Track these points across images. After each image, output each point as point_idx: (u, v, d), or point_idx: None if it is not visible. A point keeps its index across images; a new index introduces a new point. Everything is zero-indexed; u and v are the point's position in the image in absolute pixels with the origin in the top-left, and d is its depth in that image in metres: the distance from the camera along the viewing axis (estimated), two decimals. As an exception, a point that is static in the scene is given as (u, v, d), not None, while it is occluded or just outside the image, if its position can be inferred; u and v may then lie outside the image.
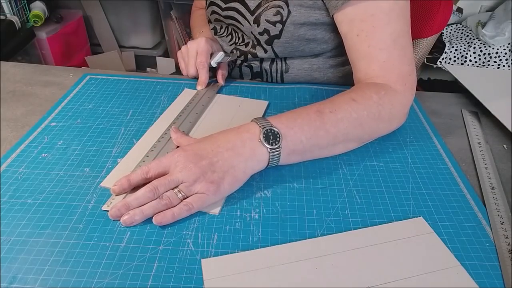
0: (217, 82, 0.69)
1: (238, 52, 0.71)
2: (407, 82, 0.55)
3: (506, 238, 0.42)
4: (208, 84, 0.68)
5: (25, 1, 1.60)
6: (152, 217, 0.42)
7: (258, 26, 0.64)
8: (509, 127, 0.60)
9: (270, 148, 0.45)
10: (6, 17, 1.54)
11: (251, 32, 0.66)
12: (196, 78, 0.69)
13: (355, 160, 0.53)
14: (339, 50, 0.68)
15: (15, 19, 1.54)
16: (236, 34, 0.71)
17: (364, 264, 0.39)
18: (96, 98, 0.64)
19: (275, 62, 0.70)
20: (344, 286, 0.37)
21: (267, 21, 0.63)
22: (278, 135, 0.46)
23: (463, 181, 0.50)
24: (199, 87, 0.67)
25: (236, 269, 0.38)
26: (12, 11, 1.55)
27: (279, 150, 0.46)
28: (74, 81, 0.68)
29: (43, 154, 0.51)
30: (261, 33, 0.65)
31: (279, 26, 0.63)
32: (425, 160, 0.53)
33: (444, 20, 0.87)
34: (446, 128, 0.61)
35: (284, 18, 0.62)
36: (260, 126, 0.46)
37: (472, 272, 0.39)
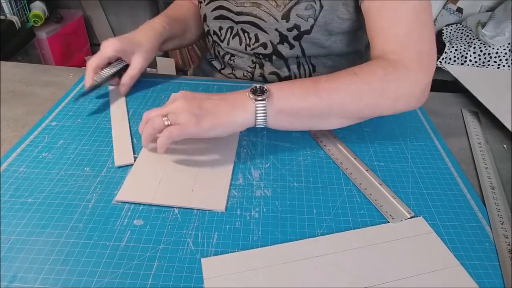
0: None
1: (260, 60, 0.68)
2: (424, 61, 0.52)
3: (506, 238, 0.42)
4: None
5: (25, 1, 1.60)
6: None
7: (287, 21, 0.62)
8: (509, 127, 0.60)
9: (255, 99, 0.47)
10: (6, 17, 1.54)
11: (276, 29, 0.64)
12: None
13: (355, 160, 0.53)
14: (362, 54, 0.68)
15: (15, 19, 1.54)
16: (246, 34, 0.67)
17: (364, 263, 0.39)
18: (96, 97, 0.64)
19: (301, 65, 0.68)
20: (344, 286, 0.37)
21: (298, 15, 0.61)
22: (265, 91, 0.48)
23: (463, 181, 0.50)
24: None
25: (236, 268, 0.38)
26: (12, 11, 1.55)
27: (264, 104, 0.47)
28: (74, 81, 0.68)
29: (43, 154, 0.51)
30: (290, 29, 0.63)
31: (311, 21, 0.61)
32: (425, 160, 0.53)
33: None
34: (446, 128, 0.61)
35: (317, 12, 0.60)
36: (250, 86, 0.49)
37: (472, 272, 0.39)
